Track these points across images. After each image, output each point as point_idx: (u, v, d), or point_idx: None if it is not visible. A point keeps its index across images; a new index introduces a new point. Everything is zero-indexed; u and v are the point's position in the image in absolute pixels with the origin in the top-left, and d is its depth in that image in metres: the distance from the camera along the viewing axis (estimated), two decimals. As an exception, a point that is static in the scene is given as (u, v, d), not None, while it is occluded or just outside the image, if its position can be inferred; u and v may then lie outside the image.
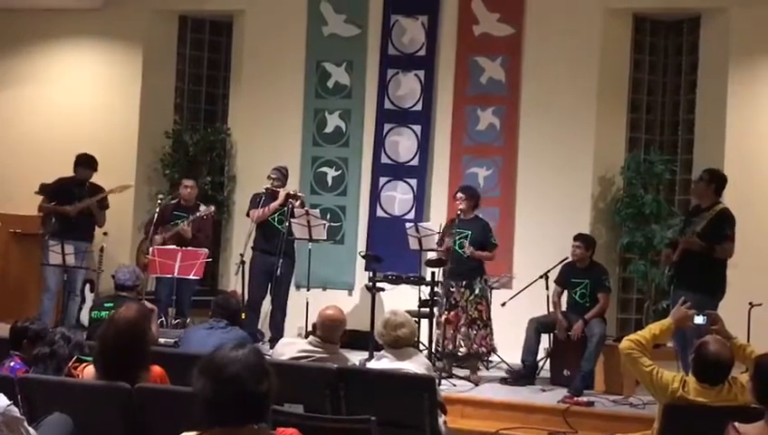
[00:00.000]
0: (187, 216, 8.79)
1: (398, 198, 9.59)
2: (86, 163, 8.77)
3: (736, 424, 3.78)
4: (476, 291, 7.75)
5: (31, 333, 4.89)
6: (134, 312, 4.28)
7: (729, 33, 8.74)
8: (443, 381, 7.17)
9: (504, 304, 8.03)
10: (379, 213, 9.63)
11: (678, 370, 5.95)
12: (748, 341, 5.99)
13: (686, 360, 6.16)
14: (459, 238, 7.77)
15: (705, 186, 6.93)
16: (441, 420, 4.97)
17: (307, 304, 8.04)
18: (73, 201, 8.69)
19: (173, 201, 9.08)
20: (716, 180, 6.96)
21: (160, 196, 9.12)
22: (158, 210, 8.77)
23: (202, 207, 8.85)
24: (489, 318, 7.82)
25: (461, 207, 7.84)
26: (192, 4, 10.52)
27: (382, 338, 5.14)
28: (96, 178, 9.00)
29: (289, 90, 9.90)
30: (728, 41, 8.70)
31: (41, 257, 8.73)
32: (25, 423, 3.48)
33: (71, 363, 4.52)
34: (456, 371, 7.87)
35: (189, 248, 8.32)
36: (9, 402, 3.39)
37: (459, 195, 7.94)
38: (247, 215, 8.79)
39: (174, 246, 8.39)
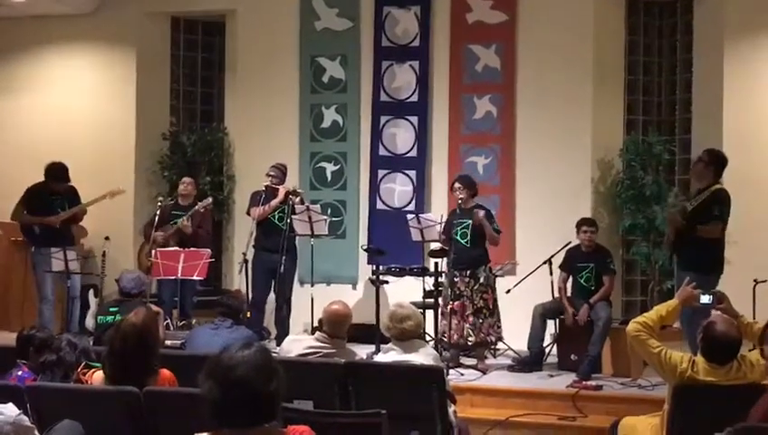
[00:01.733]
0: (185, 214, 8.79)
1: (398, 189, 9.58)
2: (61, 176, 8.59)
3: None
4: (481, 280, 7.74)
5: (37, 341, 4.91)
6: (142, 317, 4.29)
7: (723, 10, 8.72)
8: (451, 371, 7.17)
9: (508, 292, 8.02)
10: (380, 206, 9.63)
11: (684, 350, 5.94)
12: (754, 318, 5.97)
13: (693, 340, 6.13)
14: (461, 229, 7.76)
15: (703, 167, 6.79)
16: (451, 410, 4.98)
17: (312, 299, 8.03)
18: (55, 210, 8.60)
19: (171, 201, 9.08)
20: (716, 162, 6.79)
21: (160, 198, 9.12)
22: (158, 212, 8.76)
23: (199, 204, 8.85)
24: (495, 306, 7.82)
25: (461, 196, 7.83)
26: (184, 6, 10.49)
27: (389, 331, 5.14)
28: (94, 184, 8.98)
29: (284, 86, 9.89)
30: (722, 18, 8.68)
31: (36, 267, 8.63)
32: (36, 432, 3.47)
33: (79, 370, 4.52)
34: (464, 360, 7.87)
35: (192, 249, 8.33)
36: (19, 412, 3.38)
37: (456, 184, 7.92)
38: (248, 213, 8.78)
39: (176, 248, 8.40)
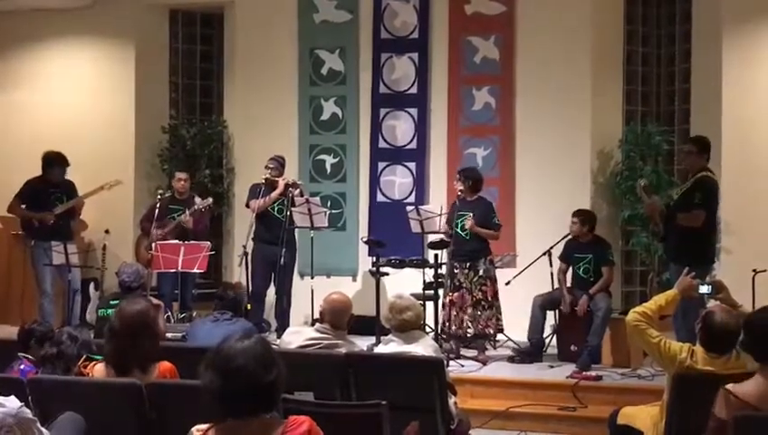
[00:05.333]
0: (182, 209, 8.81)
1: (398, 181, 9.59)
2: (59, 163, 8.57)
3: (729, 387, 3.81)
4: (480, 272, 7.77)
5: (37, 334, 4.92)
6: (141, 302, 4.34)
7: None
8: (451, 363, 7.19)
9: (508, 283, 8.04)
10: (380, 198, 9.63)
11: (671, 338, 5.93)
12: (753, 308, 5.98)
13: (685, 329, 6.11)
14: (461, 220, 7.79)
15: (696, 157, 6.84)
16: (451, 401, 4.98)
17: (312, 292, 8.05)
18: (53, 203, 8.57)
19: (168, 195, 9.08)
20: (706, 147, 6.85)
21: (160, 191, 9.13)
22: (158, 206, 8.77)
23: (198, 200, 8.86)
24: (495, 298, 7.84)
25: (460, 188, 7.88)
26: (182, -2, 10.51)
27: (389, 322, 5.15)
28: (94, 177, 8.98)
29: (283, 78, 9.88)
30: (721, 7, 8.65)
31: (35, 261, 8.61)
32: (38, 424, 3.48)
33: (80, 362, 4.54)
34: (464, 351, 7.90)
35: (192, 242, 8.34)
36: (21, 404, 3.39)
37: (457, 176, 8.03)
38: (247, 206, 8.80)
39: (176, 241, 8.41)
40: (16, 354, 4.91)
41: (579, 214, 8.00)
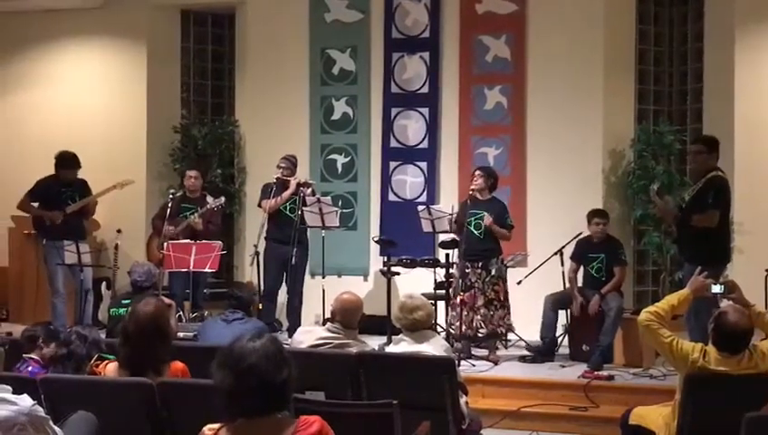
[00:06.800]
0: (194, 207, 8.82)
1: (409, 181, 9.58)
2: (71, 163, 8.53)
3: None
4: (493, 272, 7.75)
5: (42, 334, 4.90)
6: (154, 304, 4.34)
7: (734, -1, 8.68)
8: (462, 362, 7.18)
9: (519, 283, 8.03)
10: (391, 197, 9.63)
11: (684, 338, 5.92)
12: (766, 308, 5.96)
13: (697, 329, 6.10)
14: (475, 219, 7.77)
15: (707, 157, 6.79)
16: (462, 400, 4.98)
17: (323, 291, 8.05)
18: (65, 202, 8.52)
19: (180, 194, 9.09)
20: (716, 147, 6.81)
21: (171, 190, 9.15)
22: (170, 205, 8.78)
23: (209, 199, 8.86)
24: (506, 298, 7.83)
25: (477, 182, 7.82)
26: (193, -2, 10.53)
27: (399, 322, 5.14)
28: (106, 177, 8.99)
29: (294, 78, 9.89)
30: (733, 7, 8.63)
31: (48, 260, 8.56)
32: (51, 422, 3.50)
33: (92, 362, 4.54)
34: (475, 351, 7.89)
35: (203, 242, 8.36)
36: (33, 402, 3.40)
37: (478, 172, 7.95)
38: (259, 205, 8.81)
39: (188, 241, 8.43)
40: (21, 356, 4.89)
41: (602, 215, 7.96)
